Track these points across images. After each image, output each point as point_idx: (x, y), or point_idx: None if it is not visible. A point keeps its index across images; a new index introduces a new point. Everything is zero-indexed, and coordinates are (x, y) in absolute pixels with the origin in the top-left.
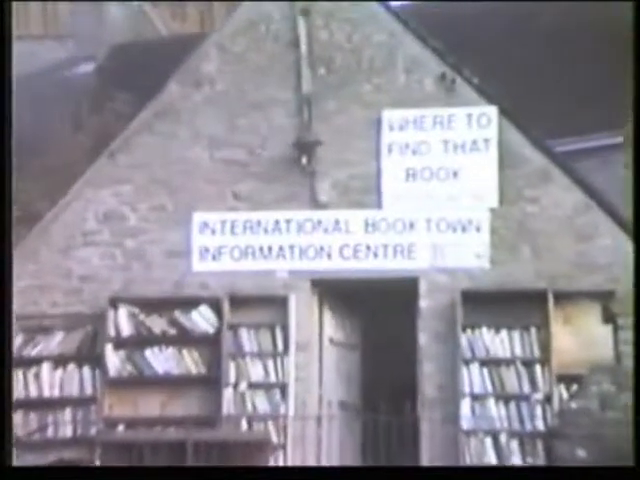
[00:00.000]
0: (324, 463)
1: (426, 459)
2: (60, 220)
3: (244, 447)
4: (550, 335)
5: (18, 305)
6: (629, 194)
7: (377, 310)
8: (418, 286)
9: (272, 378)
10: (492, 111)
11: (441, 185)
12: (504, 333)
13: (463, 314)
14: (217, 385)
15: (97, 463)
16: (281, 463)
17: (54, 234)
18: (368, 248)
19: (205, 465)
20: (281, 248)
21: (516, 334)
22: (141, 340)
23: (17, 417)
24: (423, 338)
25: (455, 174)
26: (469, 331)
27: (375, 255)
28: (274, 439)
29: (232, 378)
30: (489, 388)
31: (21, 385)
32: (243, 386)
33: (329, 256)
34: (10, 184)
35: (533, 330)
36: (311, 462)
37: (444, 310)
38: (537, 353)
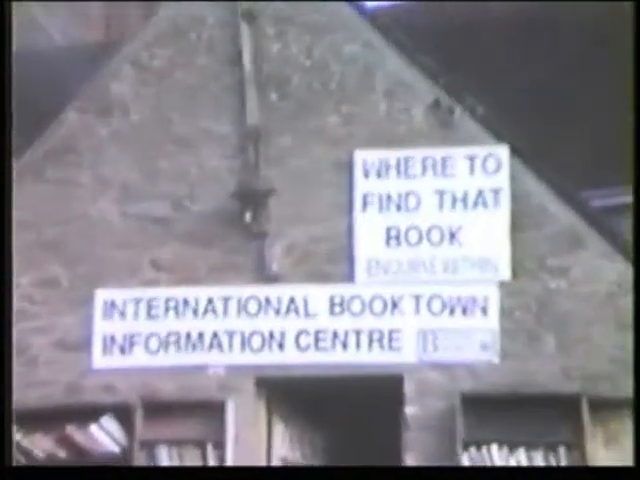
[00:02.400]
0: None
1: None
2: None
3: None
4: (585, 458)
5: None
6: None
7: (347, 421)
8: (403, 387)
9: None
10: (503, 152)
11: (434, 251)
12: (521, 453)
13: (465, 426)
14: None
15: None
16: None
17: None
18: (335, 336)
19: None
20: (216, 335)
21: (538, 455)
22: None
23: None
24: (411, 459)
25: (453, 236)
26: (473, 450)
27: (344, 345)
28: None
29: None
30: None
31: None
32: None
33: (281, 347)
34: (10, 184)
35: (562, 450)
36: None
37: (439, 420)
38: None
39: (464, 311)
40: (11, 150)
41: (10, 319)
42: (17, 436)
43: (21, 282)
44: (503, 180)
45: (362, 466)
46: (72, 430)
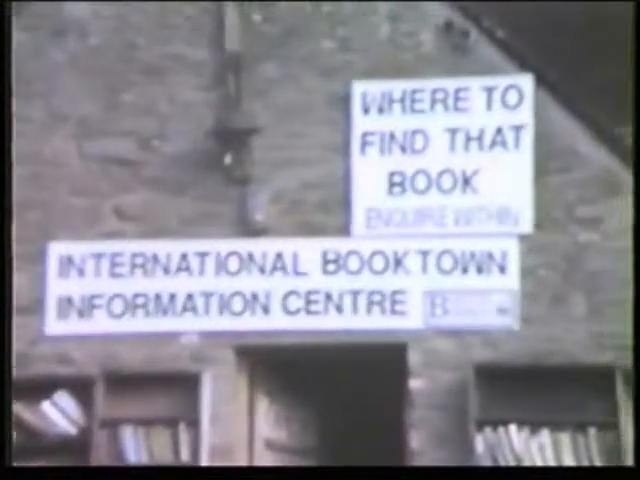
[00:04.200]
0: None
1: None
2: None
3: None
4: (620, 440)
5: None
6: None
7: (343, 396)
8: (406, 357)
9: None
10: (526, 82)
11: (445, 199)
12: (545, 435)
13: (479, 403)
14: None
15: None
16: None
17: None
18: (329, 298)
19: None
20: (190, 297)
21: (565, 437)
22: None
23: None
24: (416, 440)
25: (467, 182)
26: (488, 430)
27: (339, 309)
28: None
29: None
30: None
31: None
32: None
33: (266, 310)
34: (10, 184)
35: (592, 431)
36: None
37: (449, 396)
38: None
39: (479, 269)
40: (11, 149)
41: (10, 318)
42: None
43: None
44: (526, 116)
45: (354, 466)
46: (20, 408)
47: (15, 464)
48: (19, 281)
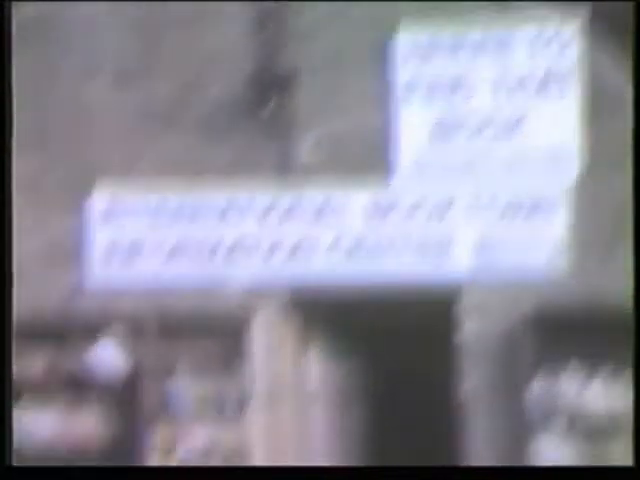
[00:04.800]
0: None
1: None
2: None
3: None
4: None
5: None
6: None
7: (390, 342)
8: (456, 304)
9: (223, 448)
10: (575, 24)
11: (491, 146)
12: (598, 384)
13: (529, 353)
14: (133, 461)
15: None
16: None
17: None
18: (374, 247)
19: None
20: (235, 245)
21: (617, 382)
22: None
23: None
24: (467, 388)
25: (514, 128)
26: (539, 380)
27: (385, 257)
28: None
29: (158, 450)
30: None
31: None
32: (175, 462)
33: (312, 259)
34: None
35: None
36: None
37: (498, 346)
38: None
39: (528, 216)
40: (11, 147)
41: (11, 317)
42: None
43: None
44: (572, 60)
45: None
46: (68, 355)
47: (67, 412)
48: (62, 227)
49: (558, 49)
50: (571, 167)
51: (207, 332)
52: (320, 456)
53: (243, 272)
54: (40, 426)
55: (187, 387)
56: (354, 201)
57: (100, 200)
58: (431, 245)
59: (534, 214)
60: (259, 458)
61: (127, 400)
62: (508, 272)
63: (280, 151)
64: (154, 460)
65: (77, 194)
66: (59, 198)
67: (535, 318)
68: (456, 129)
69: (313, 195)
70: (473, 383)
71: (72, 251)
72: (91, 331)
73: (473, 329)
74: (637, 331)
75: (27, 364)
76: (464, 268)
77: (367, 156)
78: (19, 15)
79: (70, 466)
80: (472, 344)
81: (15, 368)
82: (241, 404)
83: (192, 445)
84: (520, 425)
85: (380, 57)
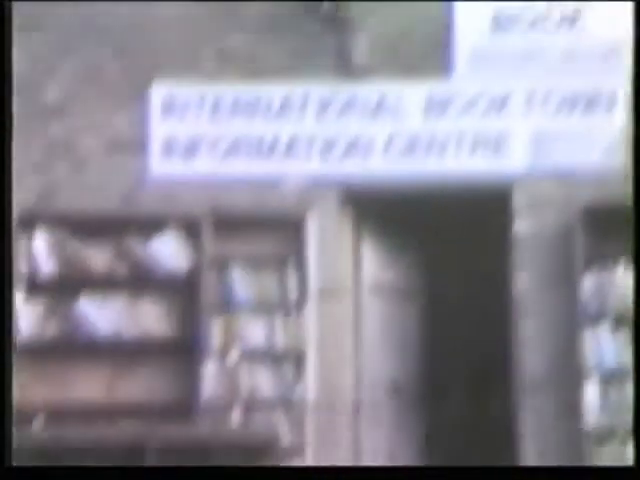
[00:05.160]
0: None
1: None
2: None
3: (237, 453)
4: None
5: None
6: None
7: (447, 238)
8: (511, 199)
9: (281, 343)
10: None
11: (551, 38)
12: None
13: (585, 243)
14: (194, 354)
15: None
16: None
17: None
18: (432, 140)
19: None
20: (292, 141)
21: None
22: (73, 282)
23: None
24: (521, 282)
25: (573, 20)
26: (594, 271)
27: (442, 152)
28: (285, 439)
29: (217, 343)
30: (628, 362)
31: None
32: (235, 355)
33: (369, 154)
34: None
35: None
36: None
37: (555, 238)
38: None
39: (585, 109)
40: (11, 146)
41: (11, 314)
42: (72, 246)
43: (66, 72)
44: None
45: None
46: (131, 243)
47: (130, 304)
48: (125, 120)
49: None
50: (629, 64)
51: (264, 228)
52: (375, 350)
53: (299, 168)
54: (104, 318)
55: (244, 282)
56: (411, 98)
57: (159, 94)
58: (487, 141)
59: (591, 110)
60: (315, 359)
61: (187, 294)
62: (563, 168)
63: (338, 48)
64: (214, 356)
65: (138, 87)
66: (121, 90)
67: (588, 214)
68: (513, 22)
69: (370, 92)
70: (527, 277)
71: (133, 144)
72: (152, 225)
73: (527, 224)
74: (637, 330)
75: (90, 256)
76: (520, 163)
77: (424, 53)
78: None
79: (70, 466)
80: (526, 239)
81: (79, 261)
82: (298, 299)
83: (250, 340)
84: (571, 319)
85: None
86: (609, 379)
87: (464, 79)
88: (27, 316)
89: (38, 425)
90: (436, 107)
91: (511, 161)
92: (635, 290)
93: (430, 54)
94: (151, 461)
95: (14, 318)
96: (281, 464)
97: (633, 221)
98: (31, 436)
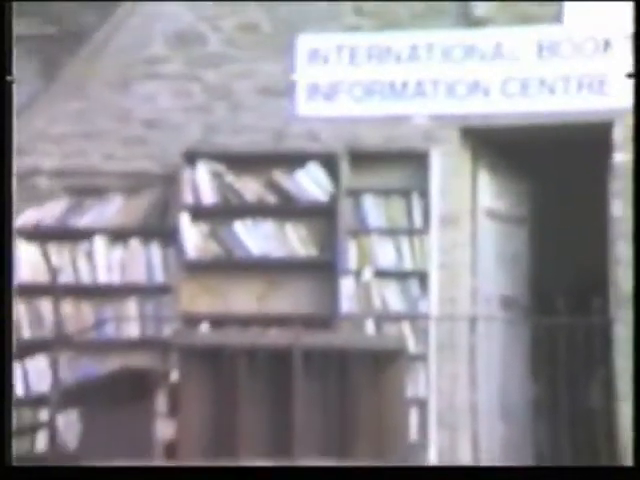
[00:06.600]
0: (479, 378)
1: (620, 373)
2: (114, 42)
3: (370, 357)
4: None
5: (59, 158)
6: None
7: (554, 169)
8: (612, 134)
9: (408, 263)
10: None
11: None
12: None
13: None
14: (333, 272)
15: (173, 372)
16: (421, 377)
17: (106, 61)
18: (542, 82)
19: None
20: (420, 84)
21: None
22: (229, 209)
23: (66, 307)
24: (618, 207)
25: None
26: None
27: (552, 92)
28: (411, 347)
29: (353, 263)
30: None
31: (69, 265)
32: (368, 274)
33: (487, 94)
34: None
35: None
36: (461, 378)
37: None
38: None
39: None
40: (11, 150)
41: (11, 310)
42: (229, 178)
43: (224, 26)
44: None
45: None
46: (279, 175)
47: (278, 228)
48: (275, 68)
49: None
50: None
51: (393, 162)
52: (489, 269)
53: (425, 108)
54: (256, 240)
55: (376, 209)
56: (525, 42)
57: (305, 45)
58: (591, 81)
59: None
60: (437, 277)
61: (327, 219)
62: None
63: (459, 2)
64: (350, 274)
65: (286, 40)
66: (273, 42)
67: None
68: None
69: (488, 39)
70: (622, 203)
71: (282, 89)
72: (296, 159)
73: (624, 156)
74: (637, 331)
75: (244, 187)
76: (620, 100)
77: (537, 3)
78: None
79: (70, 466)
80: (623, 169)
81: (234, 191)
82: (422, 224)
83: (381, 261)
84: None
85: None
86: None
87: (573, 25)
88: (192, 238)
89: (204, 329)
90: (547, 51)
91: (612, 99)
92: (635, 290)
93: (543, 3)
94: (296, 363)
95: (13, 322)
96: (405, 370)
97: (633, 222)
98: (198, 338)
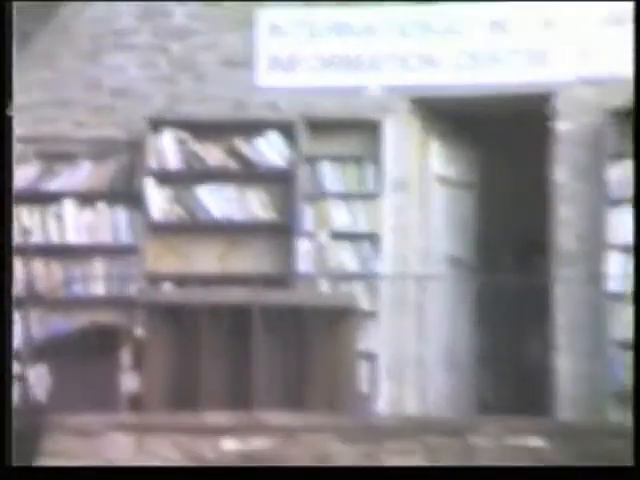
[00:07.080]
0: (427, 334)
1: (560, 328)
2: (85, 15)
3: (324, 314)
4: None
5: (31, 124)
6: None
7: (501, 138)
8: (554, 103)
9: (361, 226)
10: None
11: None
12: None
13: (612, 141)
14: (290, 234)
15: (139, 328)
16: (372, 333)
17: (77, 33)
18: (491, 55)
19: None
20: (375, 57)
21: None
22: (192, 174)
23: (37, 266)
24: (560, 173)
25: None
26: (618, 164)
27: (499, 64)
28: (363, 304)
29: (309, 225)
30: None
31: (39, 227)
32: (323, 236)
33: (437, 66)
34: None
35: None
36: (410, 334)
37: (588, 136)
38: None
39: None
40: (11, 151)
41: (10, 309)
42: (192, 145)
43: (188, 2)
44: None
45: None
46: (240, 142)
47: (240, 191)
48: (237, 40)
49: None
50: None
51: (348, 130)
52: (439, 231)
53: (379, 81)
54: (218, 204)
55: (332, 175)
56: (475, 18)
57: (265, 18)
58: (539, 52)
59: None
60: (389, 239)
61: (286, 184)
62: (599, 77)
63: None
64: (307, 236)
65: (247, 14)
66: (234, 15)
67: (620, 114)
68: None
69: (438, 14)
70: (564, 169)
71: (243, 60)
72: (257, 127)
73: (567, 124)
74: (637, 329)
75: (207, 153)
76: (565, 73)
77: None
78: None
79: (70, 466)
80: (567, 136)
81: (197, 157)
82: (375, 189)
83: (336, 223)
84: (598, 203)
85: None
86: (627, 252)
87: (518, 4)
88: (157, 201)
89: (167, 287)
90: (496, 27)
91: (554, 71)
92: (635, 289)
93: None
94: (255, 320)
95: (13, 322)
96: (358, 326)
97: (633, 219)
98: (163, 295)
